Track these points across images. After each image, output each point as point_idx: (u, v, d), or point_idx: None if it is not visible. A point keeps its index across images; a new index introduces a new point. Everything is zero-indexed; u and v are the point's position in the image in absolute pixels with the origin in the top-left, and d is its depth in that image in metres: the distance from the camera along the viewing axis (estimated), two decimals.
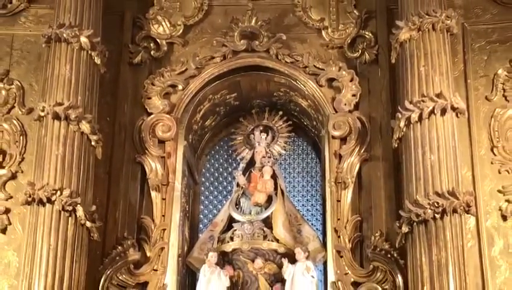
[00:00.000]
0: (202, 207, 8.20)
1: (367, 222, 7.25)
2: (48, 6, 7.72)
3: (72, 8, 7.17)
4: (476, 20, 7.67)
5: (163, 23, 7.95)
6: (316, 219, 7.80)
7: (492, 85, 7.43)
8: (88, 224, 6.65)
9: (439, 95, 6.65)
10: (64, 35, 7.01)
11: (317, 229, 7.68)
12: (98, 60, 7.15)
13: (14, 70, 7.73)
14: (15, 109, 7.59)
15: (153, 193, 7.42)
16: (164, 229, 7.31)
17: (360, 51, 7.75)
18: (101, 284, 7.01)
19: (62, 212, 6.50)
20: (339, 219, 7.22)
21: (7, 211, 7.24)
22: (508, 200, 7.04)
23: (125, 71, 7.82)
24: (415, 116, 6.63)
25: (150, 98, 7.69)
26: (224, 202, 7.89)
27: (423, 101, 6.65)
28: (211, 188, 8.35)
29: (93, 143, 6.91)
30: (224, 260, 7.31)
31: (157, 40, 7.91)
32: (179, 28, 7.94)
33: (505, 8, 7.62)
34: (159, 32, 7.93)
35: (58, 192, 6.50)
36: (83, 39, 7.02)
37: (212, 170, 8.41)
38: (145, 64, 7.88)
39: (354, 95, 7.55)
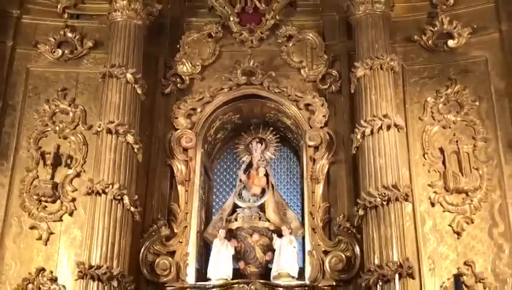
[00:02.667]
0: (214, 197, 8.13)
1: (334, 207, 7.21)
2: (103, 52, 7.68)
3: (120, 53, 7.21)
4: (412, 62, 7.63)
5: (186, 64, 7.88)
6: (297, 205, 7.73)
7: (424, 109, 7.39)
8: (132, 209, 6.66)
9: (385, 116, 6.70)
10: (115, 72, 7.04)
11: (297, 212, 7.62)
12: (139, 91, 7.15)
13: (79, 98, 7.69)
14: (79, 126, 7.55)
15: (179, 187, 7.38)
16: (187, 213, 7.27)
17: (328, 84, 7.69)
18: (141, 253, 6.99)
19: (113, 200, 6.53)
20: (313, 205, 7.19)
21: (73, 199, 7.22)
22: (435, 192, 7.04)
23: (159, 99, 7.77)
24: (368, 131, 6.67)
25: (176, 118, 7.64)
26: (231, 193, 7.83)
27: (374, 120, 6.69)
28: (221, 183, 8.28)
29: (135, 150, 6.90)
30: (231, 235, 7.26)
31: (182, 76, 7.84)
32: (198, 67, 7.87)
33: (432, 53, 7.60)
34: (183, 70, 7.86)
35: (110, 186, 6.54)
36: (128, 76, 7.04)
37: (222, 170, 8.35)
38: (173, 93, 7.81)
39: (324, 116, 7.51)
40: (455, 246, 6.83)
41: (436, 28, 7.54)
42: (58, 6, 7.82)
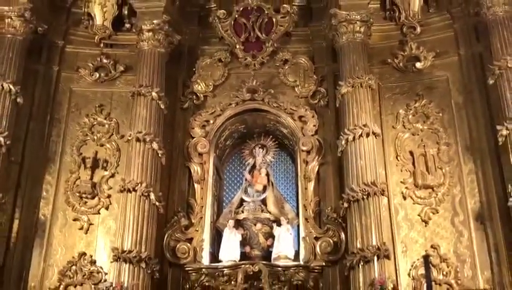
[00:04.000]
0: (224, 193, 8.12)
1: (323, 201, 7.22)
2: (132, 75, 7.69)
3: (146, 75, 7.27)
4: (386, 81, 7.64)
5: (201, 84, 7.90)
6: (293, 200, 7.73)
7: (396, 119, 7.42)
8: (157, 203, 6.72)
9: (364, 125, 6.76)
10: (143, 91, 7.11)
11: (293, 205, 7.63)
12: (162, 106, 7.20)
13: (113, 112, 7.74)
14: (113, 135, 7.61)
15: (196, 185, 7.41)
16: (202, 206, 7.31)
17: (317, 99, 7.70)
18: (164, 239, 7.04)
19: (141, 196, 6.60)
20: (306, 199, 7.22)
21: (109, 196, 7.28)
22: (406, 187, 7.07)
23: (178, 112, 7.79)
24: (350, 138, 6.74)
25: (193, 128, 7.66)
26: (238, 190, 7.83)
27: (355, 129, 6.76)
28: (230, 182, 8.26)
29: (159, 155, 6.96)
30: (238, 224, 7.29)
31: (197, 94, 7.86)
32: (210, 86, 7.88)
33: (403, 74, 7.61)
34: (199, 89, 7.88)
35: (139, 184, 6.62)
36: (154, 94, 7.11)
37: (230, 170, 8.34)
38: (190, 108, 7.83)
39: (314, 126, 7.54)
40: (423, 232, 6.87)
41: (406, 53, 7.55)
42: (96, 38, 7.87)
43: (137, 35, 7.51)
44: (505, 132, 6.42)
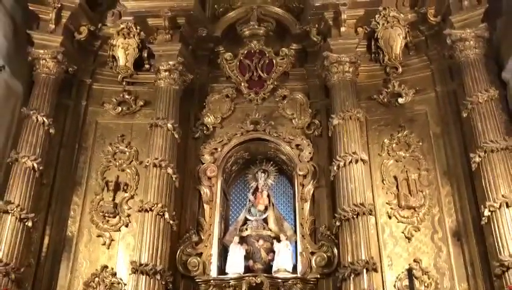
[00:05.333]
0: (230, 212, 8.02)
1: (317, 220, 7.14)
2: (150, 108, 7.70)
3: (163, 109, 7.26)
4: (372, 114, 7.62)
5: (210, 116, 7.88)
6: (291, 219, 7.64)
7: (382, 148, 7.38)
8: (171, 222, 6.66)
9: (354, 153, 6.73)
10: (159, 123, 7.08)
11: (291, 224, 7.53)
12: (176, 136, 7.17)
13: (133, 141, 7.72)
14: (133, 161, 7.56)
15: (205, 205, 7.34)
16: (211, 225, 7.22)
17: (312, 130, 7.67)
18: (177, 254, 6.95)
19: (157, 216, 6.55)
20: (302, 218, 7.15)
21: (128, 215, 7.23)
22: (391, 208, 6.99)
23: (190, 141, 7.75)
24: (341, 164, 6.69)
25: (203, 155, 7.61)
26: (242, 210, 7.75)
27: (346, 156, 6.72)
28: (235, 202, 8.17)
29: (173, 179, 6.90)
30: (242, 240, 7.21)
31: (207, 125, 7.84)
32: (218, 119, 7.87)
33: (387, 108, 7.59)
34: (208, 121, 7.86)
35: (155, 205, 6.57)
36: (169, 125, 7.08)
37: (236, 193, 8.25)
38: (201, 138, 7.79)
39: (309, 153, 7.49)
40: (407, 248, 6.80)
41: (389, 90, 7.55)
42: (119, 77, 7.90)
43: (155, 74, 7.55)
44: (477, 159, 6.39)
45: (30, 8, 7.54)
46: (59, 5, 7.47)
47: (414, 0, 7.70)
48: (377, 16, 7.53)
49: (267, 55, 7.88)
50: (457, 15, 7.01)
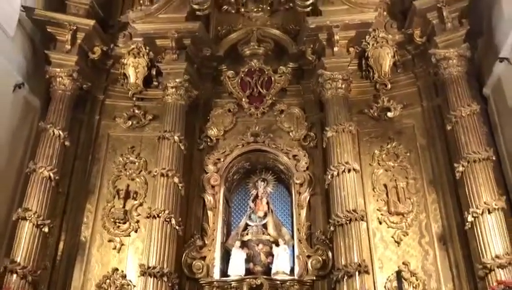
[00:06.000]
0: (232, 218, 8.00)
1: (313, 225, 7.13)
2: (158, 122, 7.70)
3: (170, 123, 7.27)
4: (363, 127, 7.59)
5: (214, 129, 7.89)
6: (288, 224, 7.63)
7: (372, 158, 7.37)
8: (177, 227, 6.65)
9: (346, 163, 6.73)
10: (167, 136, 7.09)
11: (289, 229, 7.52)
12: (182, 147, 7.17)
13: (142, 153, 7.72)
14: (142, 171, 7.55)
15: (209, 212, 7.33)
16: (214, 230, 7.22)
17: (308, 141, 7.68)
18: (183, 257, 6.93)
19: (164, 222, 6.53)
20: (299, 224, 7.14)
21: (138, 221, 7.20)
22: (381, 214, 6.97)
23: (195, 152, 7.75)
24: (335, 173, 6.70)
25: (207, 165, 7.60)
26: (243, 216, 7.74)
27: (339, 165, 6.73)
28: (237, 209, 8.15)
29: (179, 187, 6.89)
30: (244, 245, 7.21)
31: (211, 137, 7.84)
32: (221, 131, 7.87)
33: (377, 121, 7.58)
34: (212, 133, 7.87)
35: (162, 212, 6.56)
36: (176, 138, 7.09)
37: (237, 200, 8.23)
38: (205, 149, 7.79)
39: (305, 163, 7.48)
40: (396, 251, 6.79)
41: (379, 105, 7.57)
42: (129, 93, 7.92)
43: (163, 90, 7.58)
44: (461, 169, 6.42)
45: (48, 30, 7.65)
46: (74, 28, 7.57)
47: (401, 23, 7.79)
48: (367, 37, 7.59)
49: (266, 73, 7.93)
50: (441, 36, 7.10)
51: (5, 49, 7.00)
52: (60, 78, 7.45)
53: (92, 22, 7.64)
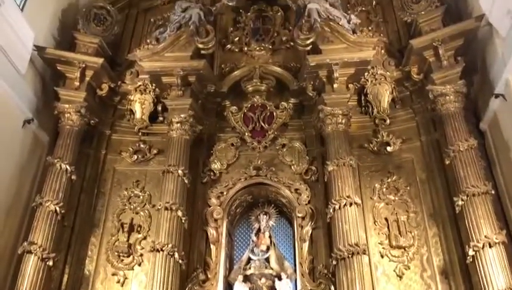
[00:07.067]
0: (235, 252, 7.96)
1: (316, 259, 7.10)
2: (163, 156, 7.70)
3: (174, 157, 7.32)
4: (364, 161, 7.63)
5: (217, 163, 7.93)
6: (291, 258, 7.57)
7: (373, 192, 7.40)
8: (180, 261, 6.64)
9: (348, 197, 6.73)
10: (171, 169, 7.14)
11: (291, 263, 7.46)
12: (186, 181, 7.21)
13: (146, 186, 7.78)
14: (146, 205, 7.60)
15: (211, 245, 7.31)
16: (217, 264, 7.17)
17: (309, 175, 7.71)
18: None
19: (167, 255, 6.53)
20: (302, 258, 7.10)
21: (141, 255, 7.22)
22: (383, 248, 6.96)
23: (199, 186, 7.77)
24: (337, 207, 6.70)
25: (210, 199, 7.62)
26: (246, 250, 7.69)
27: (340, 199, 6.73)
28: (239, 243, 8.10)
29: (183, 221, 6.90)
30: (246, 279, 7.16)
31: (214, 171, 7.88)
32: (224, 165, 7.91)
33: (377, 155, 7.65)
34: (215, 167, 7.90)
35: (166, 245, 6.57)
36: (180, 171, 7.15)
37: (240, 233, 8.20)
38: (208, 182, 7.81)
39: (307, 197, 7.50)
40: (398, 285, 6.75)
41: (378, 139, 7.64)
42: (135, 128, 8.02)
43: (168, 126, 7.68)
44: (460, 202, 6.45)
45: (58, 68, 7.86)
46: (84, 65, 7.78)
47: (399, 60, 7.97)
48: (366, 74, 7.73)
49: (268, 108, 8.05)
50: (438, 73, 7.25)
51: (16, 85, 7.20)
52: (69, 114, 7.59)
53: (100, 60, 7.85)
